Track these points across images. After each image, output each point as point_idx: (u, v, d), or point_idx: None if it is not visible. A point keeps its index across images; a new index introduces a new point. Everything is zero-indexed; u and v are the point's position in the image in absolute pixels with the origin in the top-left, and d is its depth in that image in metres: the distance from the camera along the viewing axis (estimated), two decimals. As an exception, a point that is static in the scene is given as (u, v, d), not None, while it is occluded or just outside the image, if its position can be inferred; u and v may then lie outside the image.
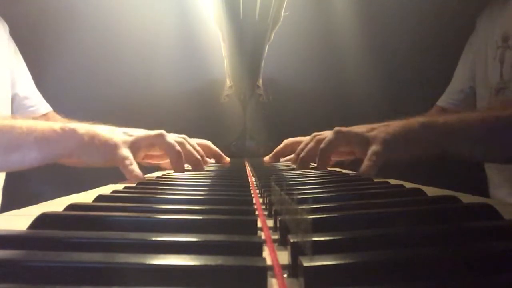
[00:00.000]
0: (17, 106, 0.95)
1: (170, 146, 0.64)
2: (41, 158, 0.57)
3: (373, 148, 0.57)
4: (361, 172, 0.57)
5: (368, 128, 0.62)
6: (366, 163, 0.57)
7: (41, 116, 0.96)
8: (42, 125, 0.57)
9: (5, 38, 0.92)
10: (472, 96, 0.92)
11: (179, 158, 0.64)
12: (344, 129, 0.62)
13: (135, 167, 0.58)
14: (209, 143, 0.83)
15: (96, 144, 0.58)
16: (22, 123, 0.56)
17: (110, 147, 0.59)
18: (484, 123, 0.56)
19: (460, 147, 0.58)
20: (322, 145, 0.61)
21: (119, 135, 0.62)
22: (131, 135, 0.63)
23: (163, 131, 0.65)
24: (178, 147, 0.64)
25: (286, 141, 0.83)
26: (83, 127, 0.59)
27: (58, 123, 0.59)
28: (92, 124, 0.63)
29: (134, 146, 0.62)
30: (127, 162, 0.58)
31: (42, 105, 0.99)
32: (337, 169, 0.68)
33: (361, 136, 0.60)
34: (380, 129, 0.60)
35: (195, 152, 0.68)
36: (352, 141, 0.62)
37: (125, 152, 0.59)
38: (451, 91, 0.96)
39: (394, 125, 0.61)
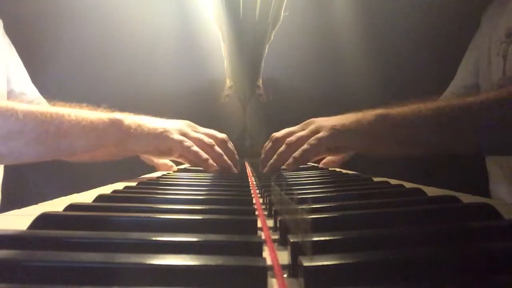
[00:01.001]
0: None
1: (218, 156, 0.64)
2: (88, 146, 0.58)
3: (319, 134, 0.59)
4: (294, 156, 0.58)
5: (325, 119, 0.63)
6: (303, 146, 0.59)
7: (32, 101, 0.95)
8: (90, 115, 0.58)
9: None
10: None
11: (229, 169, 0.64)
12: (293, 138, 0.62)
13: (198, 149, 0.61)
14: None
15: (144, 131, 0.61)
16: (71, 112, 0.57)
17: (160, 132, 0.61)
18: (441, 112, 0.55)
19: (414, 139, 0.57)
20: (274, 158, 0.62)
21: (166, 124, 0.64)
22: (179, 127, 0.64)
23: (212, 142, 0.65)
24: (225, 157, 0.64)
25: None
26: (129, 118, 0.61)
27: (106, 113, 0.61)
28: (136, 115, 0.65)
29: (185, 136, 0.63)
30: (187, 143, 0.61)
31: (39, 101, 0.98)
32: (337, 169, 0.68)
33: (310, 135, 0.61)
34: (332, 120, 0.62)
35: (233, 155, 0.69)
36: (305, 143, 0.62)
37: (179, 136, 0.61)
38: (454, 87, 0.95)
39: (349, 116, 0.61)
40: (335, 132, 0.59)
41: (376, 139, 0.58)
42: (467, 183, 0.60)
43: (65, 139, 0.55)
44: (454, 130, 0.55)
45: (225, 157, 0.64)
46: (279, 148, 0.63)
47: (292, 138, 0.62)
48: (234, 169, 0.65)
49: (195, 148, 0.61)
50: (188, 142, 0.61)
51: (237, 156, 0.69)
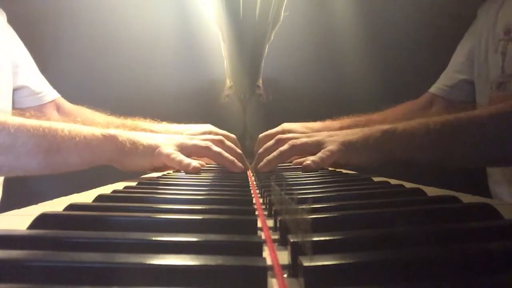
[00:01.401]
0: (23, 93, 0.93)
1: (217, 155, 0.64)
2: (81, 162, 0.58)
3: (329, 147, 0.60)
4: (305, 165, 0.59)
5: (329, 134, 0.65)
6: (319, 154, 0.60)
7: (49, 103, 0.96)
8: (84, 130, 0.58)
9: (3, 25, 0.91)
10: (467, 89, 0.90)
11: (232, 164, 0.64)
12: (298, 141, 0.63)
13: (183, 157, 0.61)
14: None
15: (139, 149, 0.61)
16: (64, 127, 0.57)
17: (152, 149, 0.61)
18: (449, 127, 0.57)
19: (422, 154, 0.59)
20: (273, 154, 0.63)
21: (161, 139, 0.65)
22: (175, 140, 0.65)
23: (208, 143, 0.65)
24: (225, 154, 0.64)
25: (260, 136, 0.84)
26: (124, 135, 0.61)
27: (100, 129, 0.60)
28: (133, 130, 0.65)
29: (181, 151, 0.63)
30: (173, 155, 0.61)
31: (49, 91, 0.98)
32: (337, 169, 0.68)
33: (316, 144, 0.62)
34: (340, 134, 0.64)
35: (234, 151, 0.69)
36: (306, 150, 0.64)
37: (168, 149, 0.62)
38: (445, 77, 0.94)
39: (355, 132, 0.63)
40: (343, 148, 0.60)
41: (382, 156, 0.60)
42: (467, 183, 0.61)
43: (57, 154, 0.55)
44: (464, 144, 0.57)
45: (225, 154, 0.64)
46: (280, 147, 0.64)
47: (297, 141, 0.63)
48: (239, 164, 0.64)
49: (180, 157, 0.61)
50: (174, 154, 0.61)
51: (239, 151, 0.69)
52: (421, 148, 0.59)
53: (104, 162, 0.61)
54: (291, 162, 0.79)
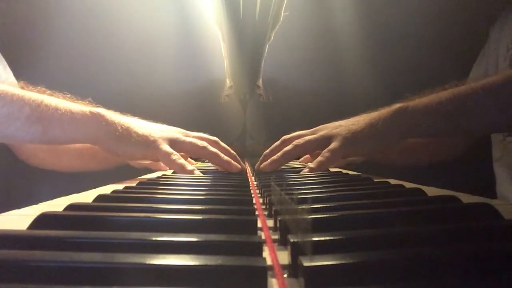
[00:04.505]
0: None
1: (214, 155, 0.63)
2: (64, 136, 0.56)
3: (331, 145, 0.59)
4: (308, 167, 0.59)
5: (334, 126, 0.63)
6: (318, 158, 0.59)
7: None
8: (72, 105, 0.57)
9: None
10: None
11: (229, 165, 0.63)
12: (301, 140, 0.62)
13: (184, 162, 0.59)
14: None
15: (133, 137, 0.58)
16: (50, 99, 0.55)
17: (150, 142, 0.59)
18: (464, 95, 0.55)
19: (437, 127, 0.56)
20: (278, 154, 0.62)
21: (156, 131, 0.62)
22: (169, 135, 0.63)
23: (205, 143, 0.64)
24: (221, 155, 0.63)
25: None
26: (115, 117, 0.59)
27: (88, 107, 0.58)
28: (123, 115, 0.63)
29: (175, 146, 0.62)
30: (174, 156, 0.59)
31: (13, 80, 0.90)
32: (337, 169, 0.68)
33: (320, 140, 0.61)
34: (343, 126, 0.62)
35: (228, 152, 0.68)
36: (312, 147, 0.63)
37: (167, 148, 0.60)
38: None
39: (362, 119, 0.61)
40: (347, 142, 0.59)
41: (395, 139, 0.58)
42: (473, 184, 0.60)
43: (39, 123, 0.54)
44: (480, 112, 0.54)
45: (222, 155, 0.64)
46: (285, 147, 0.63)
47: (300, 140, 0.63)
48: (236, 164, 0.64)
49: (181, 161, 0.60)
50: (175, 156, 0.60)
51: (234, 152, 0.68)
52: (438, 121, 0.56)
53: (90, 141, 0.59)
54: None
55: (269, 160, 0.63)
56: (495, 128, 0.65)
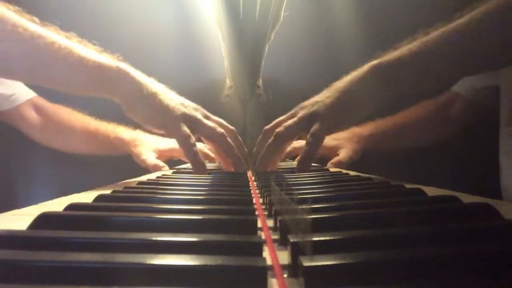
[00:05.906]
0: None
1: (229, 147, 0.60)
2: (86, 87, 0.54)
3: (312, 128, 0.57)
4: (299, 160, 0.57)
5: (311, 103, 0.61)
6: (306, 148, 0.57)
7: (25, 103, 0.90)
8: (101, 58, 0.54)
9: None
10: (493, 94, 0.84)
11: (238, 161, 0.61)
12: (281, 128, 0.59)
13: (198, 153, 0.56)
14: None
15: (156, 103, 0.56)
16: (62, 41, 0.53)
17: (171, 115, 0.56)
18: (442, 38, 0.53)
19: (418, 76, 0.55)
20: (263, 151, 0.60)
21: (181, 107, 0.59)
22: (191, 113, 0.59)
23: (223, 132, 0.60)
24: (235, 149, 0.61)
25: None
26: (143, 78, 0.56)
27: (115, 61, 0.56)
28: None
29: (194, 126, 0.58)
30: (191, 141, 0.56)
31: (22, 92, 0.91)
32: (337, 169, 0.68)
33: (299, 122, 0.59)
34: (321, 102, 0.60)
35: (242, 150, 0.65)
36: (296, 132, 0.60)
37: (187, 130, 0.56)
38: (473, 78, 0.88)
39: (336, 90, 0.59)
40: (326, 118, 0.57)
41: (370, 102, 0.56)
42: (471, 182, 0.60)
43: (43, 66, 0.52)
44: (451, 51, 0.52)
45: (236, 151, 0.61)
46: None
47: (281, 128, 0.59)
48: (243, 163, 0.62)
49: (196, 149, 0.57)
50: (192, 140, 0.56)
51: (246, 150, 0.65)
52: (411, 70, 0.54)
53: (111, 96, 0.56)
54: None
55: (258, 160, 0.61)
56: (469, 69, 0.60)
